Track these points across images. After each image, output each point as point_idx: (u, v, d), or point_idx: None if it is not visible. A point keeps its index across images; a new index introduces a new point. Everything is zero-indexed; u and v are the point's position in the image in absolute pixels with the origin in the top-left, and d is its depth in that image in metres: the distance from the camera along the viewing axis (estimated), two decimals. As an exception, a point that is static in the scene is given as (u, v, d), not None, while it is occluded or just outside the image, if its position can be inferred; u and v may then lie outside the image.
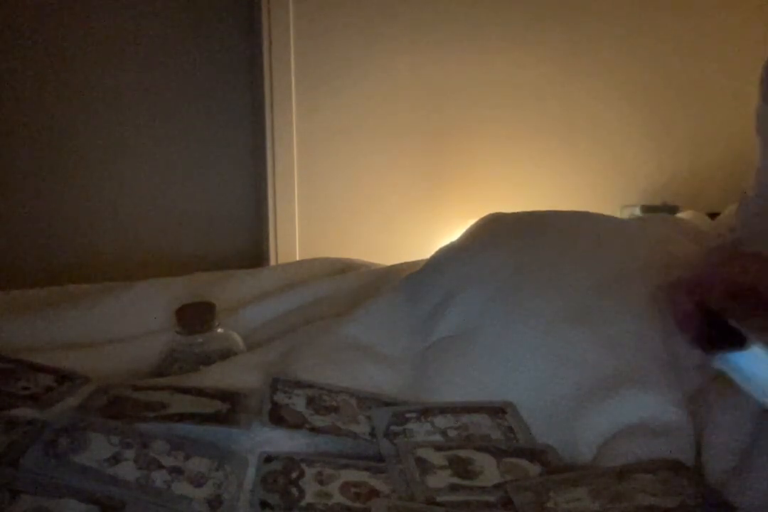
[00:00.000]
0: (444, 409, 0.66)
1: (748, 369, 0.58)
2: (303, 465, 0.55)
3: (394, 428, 0.62)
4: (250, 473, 0.55)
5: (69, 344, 0.85)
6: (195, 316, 0.79)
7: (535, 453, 0.59)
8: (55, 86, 1.86)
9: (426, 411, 0.65)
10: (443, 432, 0.62)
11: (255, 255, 2.05)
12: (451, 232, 1.85)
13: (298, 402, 0.63)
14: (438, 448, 0.59)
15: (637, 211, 2.08)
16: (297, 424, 0.60)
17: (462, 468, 0.56)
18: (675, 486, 0.54)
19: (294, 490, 0.53)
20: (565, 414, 0.65)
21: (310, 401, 0.64)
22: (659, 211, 2.00)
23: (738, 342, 0.58)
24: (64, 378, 0.70)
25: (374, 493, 0.54)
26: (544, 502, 0.53)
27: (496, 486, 0.55)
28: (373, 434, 0.61)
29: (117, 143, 1.93)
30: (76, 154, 1.91)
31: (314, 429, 0.60)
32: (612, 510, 0.52)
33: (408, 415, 0.65)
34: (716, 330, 0.60)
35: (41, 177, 1.89)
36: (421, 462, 0.57)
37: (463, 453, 0.58)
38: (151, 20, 1.90)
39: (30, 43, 1.83)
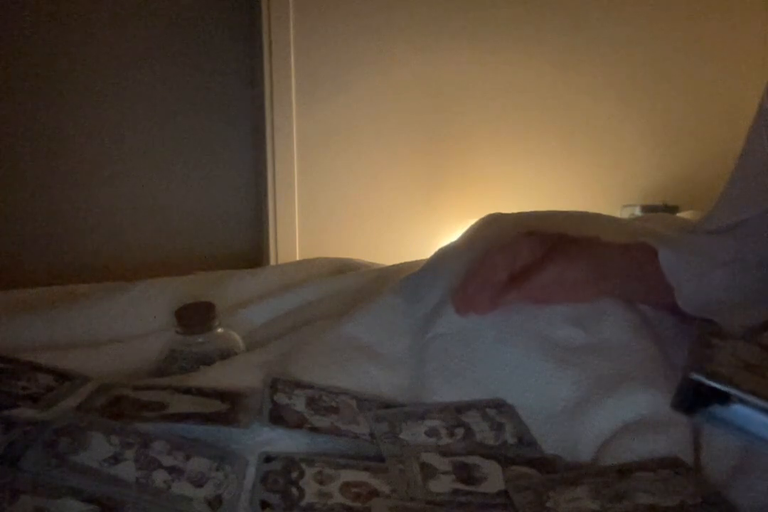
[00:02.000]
0: (441, 409, 0.66)
1: (733, 423, 0.56)
2: (303, 465, 0.55)
3: (391, 429, 0.63)
4: (250, 473, 0.55)
5: (69, 344, 0.85)
6: (195, 316, 0.80)
7: (544, 462, 0.59)
8: (54, 86, 1.86)
9: (423, 412, 0.66)
10: (437, 434, 0.63)
11: (255, 255, 2.05)
12: (451, 231, 1.85)
13: (297, 403, 0.63)
14: (443, 454, 0.58)
15: (638, 211, 2.08)
16: (297, 424, 0.60)
17: (466, 474, 0.56)
18: (675, 485, 0.54)
19: (294, 490, 0.53)
20: (565, 415, 0.65)
21: (310, 401, 0.64)
22: (659, 211, 2.01)
23: (718, 398, 0.56)
24: (64, 378, 0.70)
25: (374, 493, 0.54)
26: (544, 502, 0.53)
27: (500, 494, 0.55)
28: (372, 434, 0.61)
29: (117, 143, 1.93)
30: (76, 153, 1.91)
31: (314, 429, 0.60)
32: (612, 509, 0.52)
33: (405, 416, 0.65)
34: (692, 389, 0.57)
35: (41, 177, 1.89)
36: (425, 466, 0.56)
37: (469, 460, 0.58)
38: (151, 20, 1.90)
39: (31, 45, 1.83)
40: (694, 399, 0.57)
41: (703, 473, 0.58)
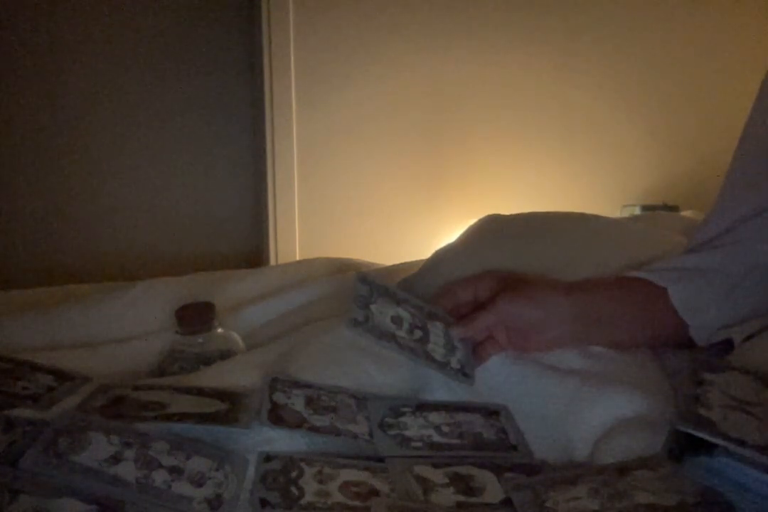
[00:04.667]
0: (439, 406, 0.66)
1: (720, 473, 0.54)
2: (302, 465, 0.56)
3: (388, 420, 0.63)
4: (250, 472, 0.55)
5: (69, 344, 0.85)
6: (195, 316, 0.80)
7: (533, 469, 0.59)
8: (55, 86, 1.87)
9: (421, 407, 0.66)
10: (437, 428, 0.63)
11: (255, 255, 2.05)
12: (451, 231, 1.85)
13: (296, 402, 0.63)
14: (436, 466, 0.58)
15: (638, 211, 2.08)
16: (296, 424, 0.60)
17: (464, 485, 0.56)
18: (674, 483, 0.54)
19: (293, 489, 0.53)
20: (558, 413, 0.65)
21: (308, 401, 0.64)
22: (659, 210, 2.00)
23: (705, 447, 0.55)
24: (64, 378, 0.70)
25: (374, 493, 0.54)
26: (544, 501, 0.53)
27: (504, 502, 0.54)
28: (371, 434, 0.62)
29: (117, 143, 1.93)
30: (77, 154, 1.91)
31: (313, 429, 0.60)
32: (611, 509, 0.52)
33: (403, 409, 0.65)
34: (679, 439, 0.56)
35: (42, 177, 1.90)
36: (421, 480, 0.56)
37: (462, 470, 0.58)
38: (152, 20, 1.91)
39: (31, 44, 1.83)
40: (681, 448, 0.56)
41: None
